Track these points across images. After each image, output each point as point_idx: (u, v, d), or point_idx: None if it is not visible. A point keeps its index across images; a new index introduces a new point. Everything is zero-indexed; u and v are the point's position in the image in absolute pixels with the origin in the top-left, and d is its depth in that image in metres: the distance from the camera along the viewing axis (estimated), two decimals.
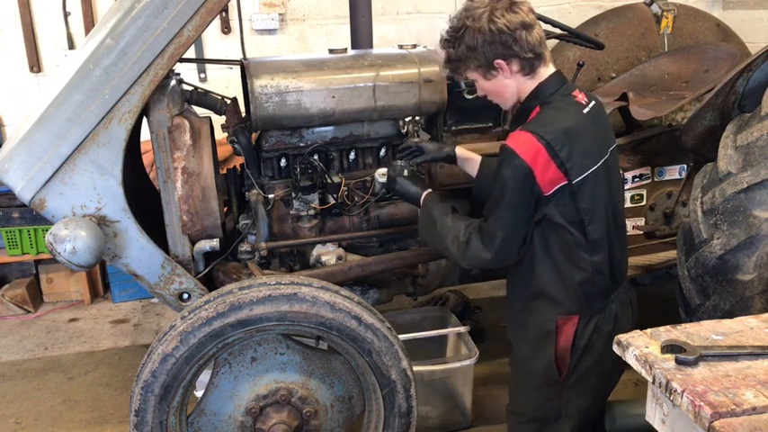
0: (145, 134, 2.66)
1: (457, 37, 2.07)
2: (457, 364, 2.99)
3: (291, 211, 2.82)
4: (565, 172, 1.97)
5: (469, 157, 2.55)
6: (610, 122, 2.35)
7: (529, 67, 2.06)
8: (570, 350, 2.13)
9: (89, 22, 4.57)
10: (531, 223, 2.06)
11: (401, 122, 2.96)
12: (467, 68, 2.12)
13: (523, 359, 2.24)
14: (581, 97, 2.11)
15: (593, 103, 2.12)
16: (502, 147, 2.03)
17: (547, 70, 2.11)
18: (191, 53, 4.32)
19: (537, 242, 2.10)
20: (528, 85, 2.11)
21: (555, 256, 2.09)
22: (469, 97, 2.88)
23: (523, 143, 1.97)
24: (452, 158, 2.58)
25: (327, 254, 2.78)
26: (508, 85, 2.11)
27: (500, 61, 2.05)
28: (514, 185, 1.99)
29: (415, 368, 2.39)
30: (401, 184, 2.46)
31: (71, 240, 2.20)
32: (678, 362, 1.40)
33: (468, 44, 2.04)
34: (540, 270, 2.11)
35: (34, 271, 4.74)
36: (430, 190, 2.42)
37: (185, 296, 2.53)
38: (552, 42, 3.72)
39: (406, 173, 2.48)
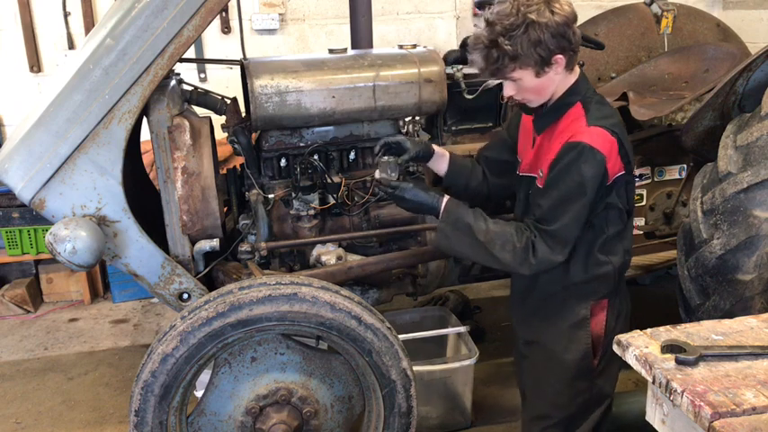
0: (145, 134, 2.66)
1: (516, 35, 1.93)
2: (457, 364, 2.99)
3: (291, 211, 2.82)
4: (627, 163, 2.03)
5: (442, 153, 2.52)
6: None
7: (571, 63, 2.03)
8: (603, 335, 2.17)
9: (89, 22, 4.58)
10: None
11: (401, 122, 2.96)
12: (521, 66, 1.98)
13: (554, 352, 2.21)
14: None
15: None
16: (572, 143, 1.97)
17: (577, 67, 2.11)
18: (191, 53, 4.32)
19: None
20: (566, 81, 2.06)
21: (598, 243, 2.10)
22: (469, 97, 2.88)
23: (599, 138, 1.96)
24: (430, 154, 2.50)
25: (327, 254, 2.77)
26: (554, 81, 2.04)
27: (559, 56, 1.97)
28: (595, 182, 1.97)
29: (415, 368, 2.39)
30: (411, 194, 2.24)
31: (71, 240, 2.20)
32: (678, 362, 1.40)
33: (533, 39, 1.92)
34: (577, 260, 2.11)
35: (34, 271, 4.74)
36: (447, 196, 2.24)
37: (185, 296, 2.53)
38: None
39: (406, 184, 2.26)
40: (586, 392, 2.20)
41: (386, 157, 2.42)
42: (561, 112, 2.08)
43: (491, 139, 2.55)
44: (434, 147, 2.53)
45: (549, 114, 2.12)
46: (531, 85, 2.04)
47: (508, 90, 2.08)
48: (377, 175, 2.43)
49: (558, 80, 2.04)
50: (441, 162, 2.51)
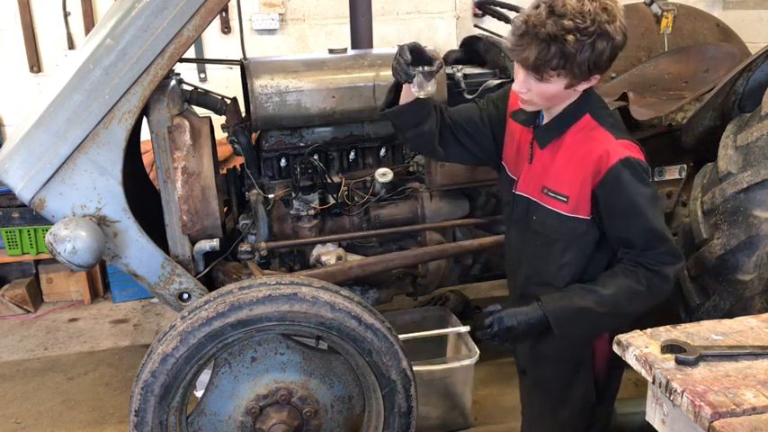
0: (145, 134, 2.66)
1: (584, 39, 1.70)
2: (457, 364, 2.99)
3: (291, 211, 2.82)
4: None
5: None
6: None
7: None
8: (605, 368, 2.05)
9: (89, 22, 4.57)
10: None
11: None
12: (562, 71, 1.76)
13: (557, 392, 2.09)
14: None
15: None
16: (621, 162, 1.79)
17: None
18: (191, 53, 4.32)
19: (579, 260, 1.94)
20: (575, 93, 1.87)
21: (598, 270, 1.94)
22: (469, 97, 2.88)
23: (634, 150, 1.84)
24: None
25: (327, 254, 2.78)
26: (571, 96, 1.86)
27: (598, 75, 1.80)
28: (654, 188, 1.87)
29: (415, 368, 2.38)
30: (513, 319, 1.89)
31: (71, 240, 2.20)
32: (678, 362, 1.40)
33: (598, 50, 1.72)
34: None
35: (34, 271, 4.74)
36: (540, 299, 1.92)
37: (185, 296, 2.53)
38: None
39: (503, 313, 1.91)
40: (588, 418, 2.12)
41: (420, 68, 2.00)
42: (568, 125, 1.90)
43: (464, 109, 2.21)
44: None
45: (554, 127, 1.92)
46: (552, 92, 1.82)
47: (522, 85, 1.84)
48: (417, 92, 2.04)
49: (574, 95, 1.87)
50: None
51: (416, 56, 1.99)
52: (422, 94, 2.05)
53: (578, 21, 1.69)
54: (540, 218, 1.96)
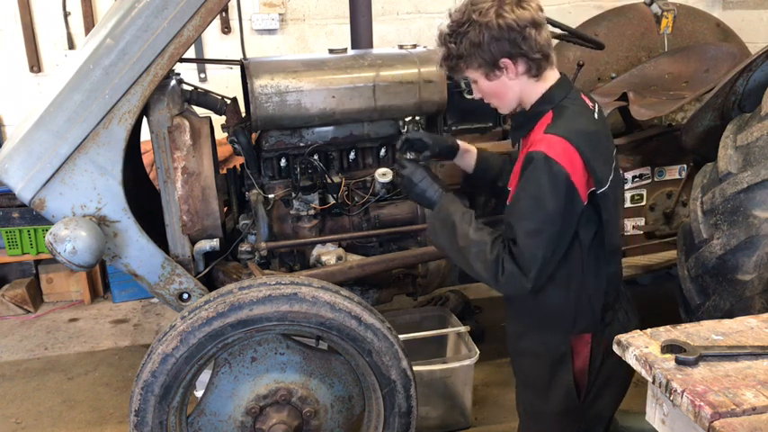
0: (145, 134, 2.66)
1: (460, 32, 1.91)
2: (457, 364, 2.99)
3: (291, 211, 2.82)
4: (595, 180, 1.86)
5: (468, 149, 2.42)
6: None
7: (536, 69, 1.92)
8: (587, 371, 2.05)
9: (89, 22, 4.57)
10: (569, 240, 1.90)
11: (401, 122, 2.96)
12: (468, 66, 1.95)
13: (538, 389, 2.11)
14: (588, 101, 2.01)
15: (597, 106, 2.03)
16: (530, 154, 1.86)
17: (553, 73, 1.98)
18: (191, 53, 4.32)
19: None
20: (534, 88, 1.96)
21: (570, 271, 1.95)
22: (469, 97, 2.87)
23: (557, 147, 1.82)
24: (454, 150, 2.41)
25: (327, 254, 2.77)
26: (511, 87, 1.95)
27: (506, 60, 1.89)
28: (556, 195, 1.81)
29: (415, 368, 2.39)
30: (419, 178, 2.15)
31: (71, 240, 2.20)
32: (678, 362, 1.40)
33: (473, 40, 1.88)
34: (551, 290, 1.98)
35: (34, 271, 4.73)
36: (449, 192, 2.16)
37: (185, 296, 2.53)
38: (552, 42, 3.72)
39: (419, 171, 2.18)
40: (575, 424, 2.11)
41: (407, 154, 2.32)
42: (533, 123, 1.96)
43: None
44: (460, 142, 2.42)
45: (522, 125, 2.02)
46: (486, 89, 1.99)
47: (474, 91, 2.06)
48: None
49: (518, 86, 1.95)
50: (468, 158, 2.41)
51: (416, 144, 2.32)
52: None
53: (450, 26, 1.96)
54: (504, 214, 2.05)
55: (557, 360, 2.04)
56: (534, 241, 1.84)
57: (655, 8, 3.81)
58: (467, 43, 1.91)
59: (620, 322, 2.07)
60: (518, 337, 2.15)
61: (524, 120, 2.01)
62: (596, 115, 1.99)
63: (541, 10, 1.94)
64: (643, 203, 3.35)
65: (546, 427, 2.17)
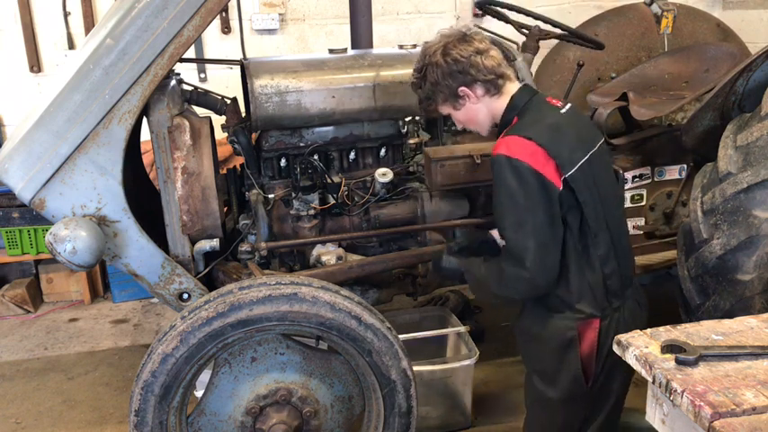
0: (145, 134, 2.66)
1: (420, 77, 2.17)
2: (457, 364, 2.99)
3: (291, 211, 2.82)
4: (560, 165, 1.97)
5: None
6: (590, 121, 2.41)
7: (494, 88, 2.12)
8: (595, 356, 2.09)
9: (89, 22, 4.58)
10: (561, 225, 2.00)
11: (401, 122, 2.96)
12: (436, 104, 2.20)
13: (546, 375, 2.17)
14: (556, 101, 2.15)
15: (569, 105, 2.17)
16: (491, 159, 2.02)
17: (513, 85, 2.16)
18: (191, 53, 4.32)
19: None
20: (499, 104, 2.15)
21: (565, 255, 2.04)
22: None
23: (514, 145, 1.97)
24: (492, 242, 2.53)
25: (327, 254, 2.77)
26: (479, 110, 2.16)
27: (464, 88, 2.11)
28: (524, 187, 1.95)
29: (415, 368, 2.38)
30: (451, 269, 2.42)
31: (71, 240, 2.20)
32: (678, 362, 1.40)
33: (431, 80, 2.13)
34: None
35: (34, 271, 4.74)
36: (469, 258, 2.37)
37: (185, 296, 2.53)
38: (552, 42, 3.72)
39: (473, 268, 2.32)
40: (581, 411, 2.17)
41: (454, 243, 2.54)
42: (502, 129, 2.14)
43: None
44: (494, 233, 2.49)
45: (497, 134, 2.18)
46: (460, 117, 2.22)
47: (456, 124, 2.28)
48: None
49: (484, 107, 2.16)
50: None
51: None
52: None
53: (413, 75, 2.22)
54: None
55: (564, 345, 2.10)
56: (520, 234, 1.98)
57: (655, 8, 3.82)
58: (428, 85, 2.17)
59: (630, 310, 2.14)
60: (527, 326, 2.22)
61: (498, 133, 2.17)
62: (563, 111, 2.12)
63: (486, 40, 2.16)
64: (643, 203, 3.35)
65: (552, 415, 2.21)
